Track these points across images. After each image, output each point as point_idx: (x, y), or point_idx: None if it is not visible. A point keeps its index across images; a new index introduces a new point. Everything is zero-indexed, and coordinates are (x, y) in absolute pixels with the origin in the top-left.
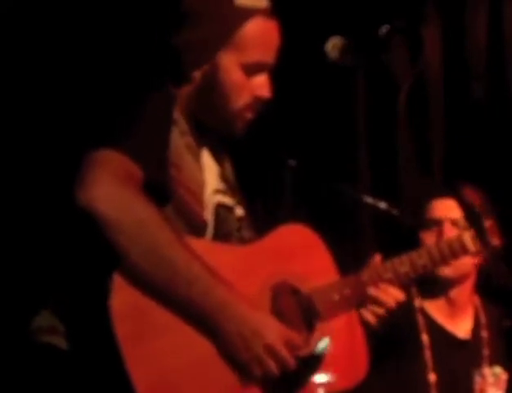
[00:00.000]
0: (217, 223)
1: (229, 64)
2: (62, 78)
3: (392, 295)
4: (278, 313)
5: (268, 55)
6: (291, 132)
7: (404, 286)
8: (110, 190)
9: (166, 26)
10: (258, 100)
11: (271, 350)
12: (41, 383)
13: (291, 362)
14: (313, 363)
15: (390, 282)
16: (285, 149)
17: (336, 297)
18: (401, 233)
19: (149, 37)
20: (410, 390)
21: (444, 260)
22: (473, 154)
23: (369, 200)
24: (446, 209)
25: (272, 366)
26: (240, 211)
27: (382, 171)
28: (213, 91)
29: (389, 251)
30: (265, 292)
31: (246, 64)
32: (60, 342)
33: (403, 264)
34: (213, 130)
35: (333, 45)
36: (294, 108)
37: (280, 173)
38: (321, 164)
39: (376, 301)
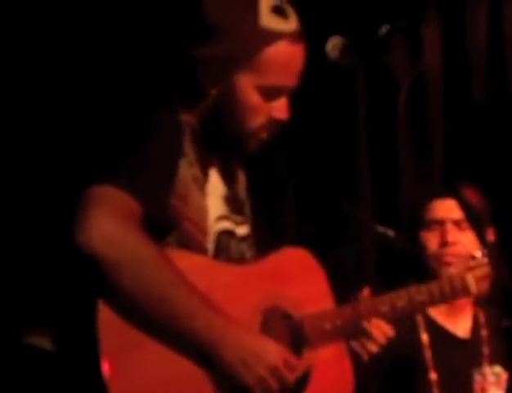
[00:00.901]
0: (217, 250)
1: (246, 86)
2: (60, 100)
3: (383, 331)
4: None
5: (288, 80)
6: (291, 132)
7: (397, 322)
8: (109, 230)
9: (186, 40)
10: (274, 121)
11: (273, 371)
12: (26, 383)
13: (291, 380)
14: (297, 390)
15: (385, 315)
16: (287, 152)
17: (327, 326)
18: (403, 258)
19: (164, 55)
20: (412, 389)
21: (444, 299)
22: (473, 154)
23: (378, 228)
24: (448, 209)
25: (274, 386)
26: (243, 230)
27: (382, 171)
28: (228, 110)
29: (390, 277)
30: (256, 315)
31: (264, 87)
32: (45, 344)
33: (401, 298)
34: (225, 147)
35: (333, 45)
36: (293, 108)
37: (284, 186)
38: (321, 163)
39: (367, 335)
